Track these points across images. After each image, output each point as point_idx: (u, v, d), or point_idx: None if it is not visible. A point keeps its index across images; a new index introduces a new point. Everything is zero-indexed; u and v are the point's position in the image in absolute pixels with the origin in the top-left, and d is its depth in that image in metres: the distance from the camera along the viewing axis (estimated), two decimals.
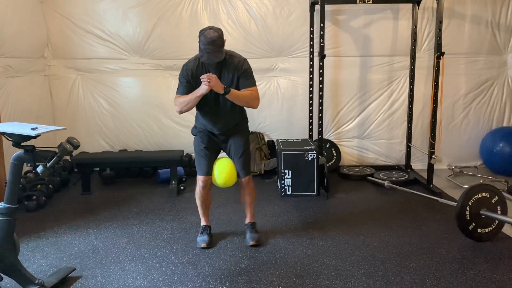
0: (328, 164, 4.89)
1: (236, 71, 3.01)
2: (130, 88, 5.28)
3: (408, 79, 5.07)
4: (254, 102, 3.07)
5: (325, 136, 5.20)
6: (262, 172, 5.06)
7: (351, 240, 3.27)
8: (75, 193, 4.52)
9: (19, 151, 2.41)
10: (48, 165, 2.36)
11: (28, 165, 2.40)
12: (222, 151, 3.32)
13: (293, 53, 5.09)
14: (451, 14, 4.95)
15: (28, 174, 4.43)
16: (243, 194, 3.32)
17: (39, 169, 2.36)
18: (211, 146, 3.22)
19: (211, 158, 3.21)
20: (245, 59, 3.07)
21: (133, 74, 5.24)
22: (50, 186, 4.34)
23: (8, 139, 2.41)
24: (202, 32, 2.87)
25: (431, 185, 4.45)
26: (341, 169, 5.09)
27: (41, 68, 5.05)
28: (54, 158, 2.37)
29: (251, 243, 3.20)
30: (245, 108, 3.22)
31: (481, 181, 4.68)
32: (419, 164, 5.22)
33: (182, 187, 4.55)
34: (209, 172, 3.18)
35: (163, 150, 5.20)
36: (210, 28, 2.87)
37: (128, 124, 5.31)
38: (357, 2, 4.65)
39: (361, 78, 5.18)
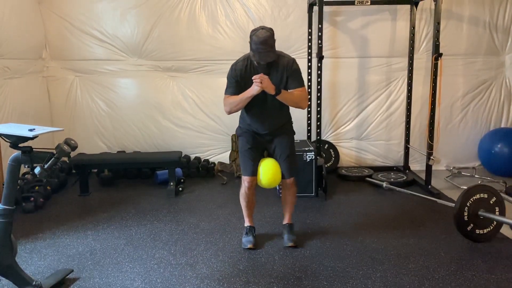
0: (326, 165, 4.89)
1: (286, 71, 2.99)
2: (128, 89, 5.28)
3: (406, 80, 5.08)
4: (303, 102, 3.07)
5: (324, 137, 5.20)
6: None
7: (349, 241, 3.27)
8: (73, 194, 4.51)
9: (16, 153, 2.40)
10: (46, 166, 2.35)
11: (26, 166, 2.40)
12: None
13: (291, 54, 5.01)
14: (449, 15, 4.96)
15: (26, 176, 4.42)
16: (286, 195, 3.28)
17: (37, 170, 2.35)
18: (257, 147, 3.19)
19: (256, 159, 3.18)
20: (294, 59, 3.05)
21: (131, 75, 5.23)
22: (48, 187, 4.33)
23: (5, 141, 2.41)
24: (253, 33, 2.85)
25: (429, 186, 4.45)
26: (339, 170, 5.09)
27: (39, 69, 5.05)
28: (52, 159, 2.36)
29: (289, 244, 3.17)
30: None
31: (479, 182, 4.69)
32: (417, 165, 5.22)
33: (180, 188, 4.54)
34: (254, 173, 3.14)
35: (161, 151, 5.19)
36: (262, 28, 2.86)
37: (126, 125, 5.30)
38: (355, 3, 4.66)
39: (359, 79, 5.19)
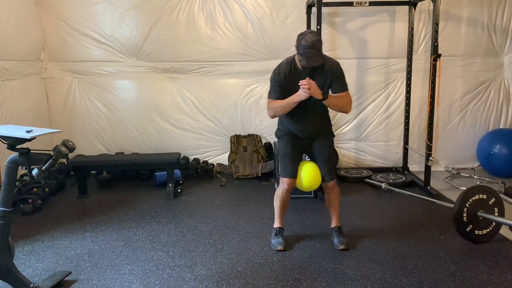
0: None
1: (330, 75, 2.97)
2: (127, 91, 5.27)
3: (405, 81, 5.07)
4: (347, 107, 3.06)
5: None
6: (259, 174, 5.06)
7: (348, 243, 3.26)
8: (72, 196, 4.50)
9: (14, 154, 2.40)
10: (43, 168, 2.34)
11: (24, 168, 2.39)
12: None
13: (290, 55, 5.07)
14: (447, 16, 4.96)
15: (24, 177, 4.41)
16: (330, 198, 3.25)
17: (34, 172, 2.34)
18: (297, 149, 3.17)
19: (297, 161, 3.16)
20: (338, 63, 3.03)
21: (129, 77, 5.23)
22: (46, 189, 4.32)
23: (3, 142, 2.40)
24: (301, 37, 2.83)
25: (428, 187, 4.44)
26: (338, 172, 5.08)
27: (37, 71, 5.04)
28: (49, 161, 2.35)
29: (341, 247, 3.13)
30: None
31: (478, 183, 4.69)
32: (416, 166, 5.22)
33: (179, 190, 4.53)
34: (294, 175, 3.13)
35: (160, 153, 5.19)
36: (310, 32, 2.84)
37: (124, 127, 5.29)
38: (354, 5, 4.67)
39: (358, 80, 5.18)
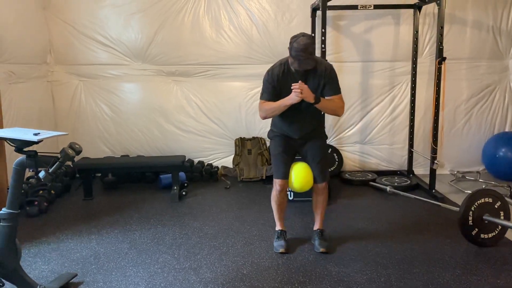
0: (330, 170, 4.88)
1: (323, 78, 2.97)
2: (132, 94, 5.30)
3: (409, 84, 5.07)
4: (340, 110, 3.08)
5: (327, 141, 5.19)
6: (264, 177, 5.06)
7: (353, 246, 3.26)
8: (77, 198, 4.52)
9: (21, 157, 2.41)
10: (50, 170, 2.36)
11: (30, 170, 2.41)
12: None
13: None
14: (452, 19, 4.96)
15: (30, 180, 4.44)
16: (317, 201, 3.25)
17: (41, 174, 2.36)
18: (289, 150, 3.18)
19: (289, 162, 3.17)
20: (331, 66, 3.05)
21: (135, 80, 5.25)
22: (52, 191, 4.34)
23: (10, 145, 2.42)
24: (294, 39, 2.83)
25: (434, 190, 4.43)
26: (343, 175, 5.08)
27: (43, 74, 5.07)
28: (56, 163, 2.37)
29: (321, 250, 3.13)
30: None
31: (484, 186, 4.67)
32: (421, 169, 5.20)
33: (183, 193, 4.54)
34: (286, 176, 3.14)
35: (164, 156, 5.20)
36: (303, 35, 2.84)
37: (129, 130, 5.32)
38: (359, 8, 4.67)
39: (362, 83, 5.19)
